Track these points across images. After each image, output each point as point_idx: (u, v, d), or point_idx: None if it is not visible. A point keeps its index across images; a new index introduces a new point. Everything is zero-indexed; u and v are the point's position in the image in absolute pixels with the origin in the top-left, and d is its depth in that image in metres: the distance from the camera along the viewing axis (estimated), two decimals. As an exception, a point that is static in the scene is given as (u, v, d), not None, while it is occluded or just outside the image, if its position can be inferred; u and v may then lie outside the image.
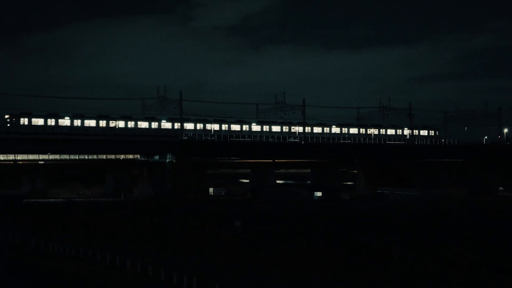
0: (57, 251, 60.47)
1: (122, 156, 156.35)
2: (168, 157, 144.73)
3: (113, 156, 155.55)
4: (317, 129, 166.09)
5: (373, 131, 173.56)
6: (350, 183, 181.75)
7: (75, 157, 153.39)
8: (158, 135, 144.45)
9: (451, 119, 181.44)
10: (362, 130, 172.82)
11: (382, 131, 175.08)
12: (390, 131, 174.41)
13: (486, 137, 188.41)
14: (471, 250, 61.49)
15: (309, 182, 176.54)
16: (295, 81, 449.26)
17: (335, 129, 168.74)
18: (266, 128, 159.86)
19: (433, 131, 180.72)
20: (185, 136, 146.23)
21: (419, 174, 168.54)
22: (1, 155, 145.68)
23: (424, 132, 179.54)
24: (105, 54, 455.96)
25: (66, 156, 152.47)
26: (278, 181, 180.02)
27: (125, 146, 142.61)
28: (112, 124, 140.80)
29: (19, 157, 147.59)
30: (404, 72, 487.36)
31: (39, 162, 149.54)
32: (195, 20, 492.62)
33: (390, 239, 67.06)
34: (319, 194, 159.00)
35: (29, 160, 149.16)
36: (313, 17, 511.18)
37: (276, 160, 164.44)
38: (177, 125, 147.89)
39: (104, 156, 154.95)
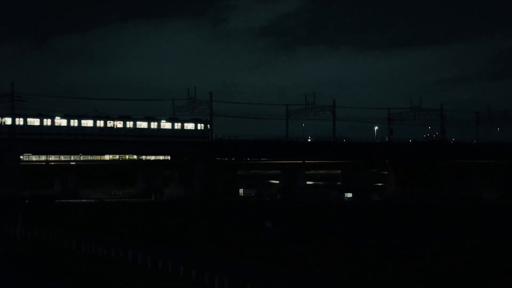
0: (88, 251, 60.96)
1: (152, 157, 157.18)
2: (198, 158, 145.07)
3: (143, 157, 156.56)
4: (32, 120, 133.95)
5: (115, 123, 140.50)
6: (380, 184, 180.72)
7: (106, 158, 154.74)
8: (190, 136, 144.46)
9: (483, 119, 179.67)
10: (100, 123, 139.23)
11: (130, 123, 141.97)
12: (141, 124, 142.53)
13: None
14: (502, 252, 60.96)
15: (339, 183, 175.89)
16: (326, 82, 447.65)
17: (60, 121, 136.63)
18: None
19: (202, 125, 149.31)
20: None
21: (450, 175, 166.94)
22: (34, 156, 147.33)
23: (189, 126, 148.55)
24: (136, 55, 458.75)
25: (97, 157, 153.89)
26: (308, 182, 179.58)
27: (156, 147, 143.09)
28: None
29: (51, 158, 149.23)
30: (437, 73, 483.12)
31: (71, 163, 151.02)
32: (226, 22, 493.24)
33: (421, 241, 66.59)
34: (349, 195, 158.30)
35: (61, 161, 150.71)
36: (345, 18, 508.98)
37: (306, 161, 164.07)
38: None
39: (135, 157, 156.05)
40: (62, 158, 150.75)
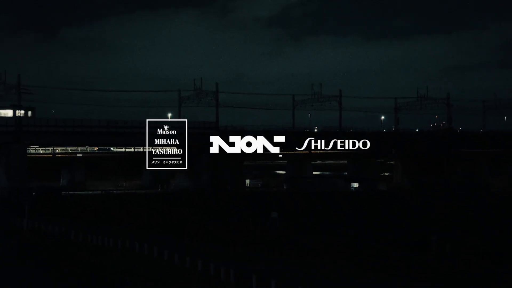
0: (95, 242, 61.07)
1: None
2: (204, 148, 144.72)
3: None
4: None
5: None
6: (387, 174, 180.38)
7: (113, 149, 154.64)
8: (195, 127, 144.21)
9: (490, 108, 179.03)
10: None
11: None
12: None
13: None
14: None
15: (346, 173, 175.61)
16: (334, 72, 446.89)
17: None
18: None
19: (23, 111, 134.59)
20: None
21: (458, 165, 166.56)
22: (41, 148, 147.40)
23: (7, 112, 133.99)
24: (144, 46, 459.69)
25: (104, 149, 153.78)
26: (314, 172, 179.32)
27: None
28: None
29: (58, 149, 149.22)
30: (444, 61, 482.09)
31: (78, 155, 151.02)
32: (234, 12, 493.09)
33: (428, 231, 66.46)
34: (356, 185, 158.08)
35: (67, 152, 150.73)
36: (351, 8, 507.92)
37: (312, 151, 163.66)
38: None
39: (141, 149, 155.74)
40: (69, 150, 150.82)
